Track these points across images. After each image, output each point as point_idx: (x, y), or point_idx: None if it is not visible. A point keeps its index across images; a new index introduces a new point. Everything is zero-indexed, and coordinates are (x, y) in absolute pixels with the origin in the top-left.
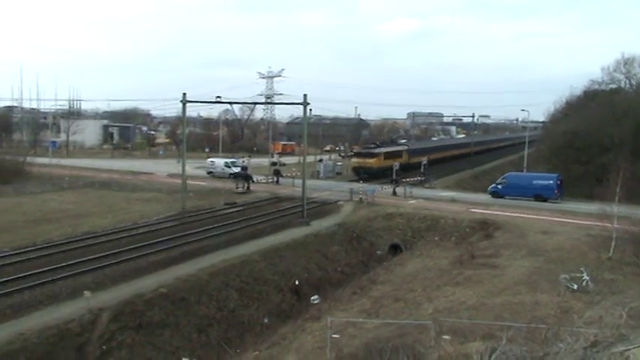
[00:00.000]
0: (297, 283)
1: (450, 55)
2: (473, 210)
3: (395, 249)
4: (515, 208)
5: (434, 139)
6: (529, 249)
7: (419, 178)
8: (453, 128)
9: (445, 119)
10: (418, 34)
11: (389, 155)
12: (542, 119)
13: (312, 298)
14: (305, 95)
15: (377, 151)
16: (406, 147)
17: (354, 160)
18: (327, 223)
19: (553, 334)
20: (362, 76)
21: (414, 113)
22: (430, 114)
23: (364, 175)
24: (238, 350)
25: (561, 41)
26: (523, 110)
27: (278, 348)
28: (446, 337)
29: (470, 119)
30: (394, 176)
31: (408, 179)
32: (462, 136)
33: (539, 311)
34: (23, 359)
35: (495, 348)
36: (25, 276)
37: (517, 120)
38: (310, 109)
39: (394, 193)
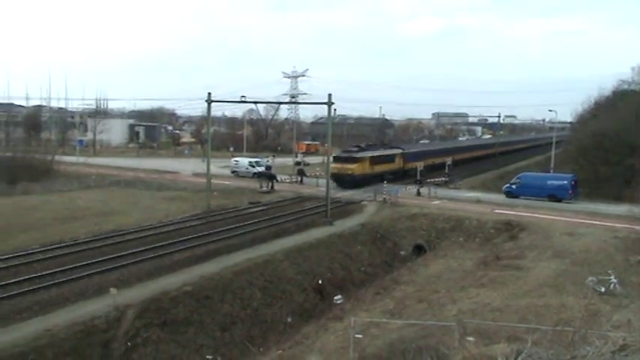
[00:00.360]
0: (320, 282)
1: (475, 54)
2: (497, 211)
3: (419, 249)
4: (539, 209)
5: (461, 138)
6: (554, 251)
7: (443, 178)
8: (479, 128)
9: (470, 119)
10: (443, 32)
11: (376, 160)
12: (569, 119)
13: (335, 297)
14: (329, 95)
15: (360, 155)
16: (400, 150)
17: (333, 165)
18: (351, 223)
19: (580, 337)
20: (387, 76)
21: (438, 113)
22: (455, 114)
23: (344, 184)
24: (262, 349)
25: (589, 40)
26: (550, 110)
27: (301, 347)
28: (470, 338)
29: (495, 119)
30: (418, 176)
31: (432, 180)
32: (489, 136)
33: (565, 314)
34: (51, 354)
35: (521, 350)
36: (53, 273)
37: (544, 120)
38: (334, 109)
39: (418, 194)
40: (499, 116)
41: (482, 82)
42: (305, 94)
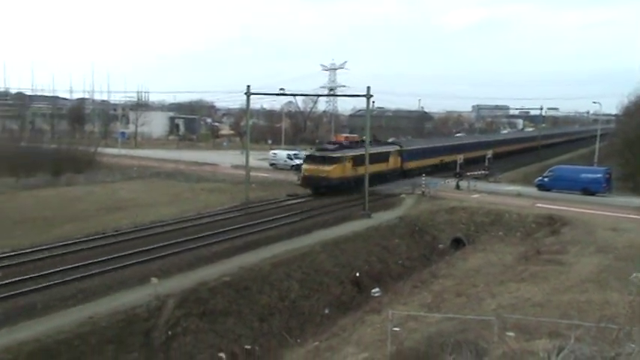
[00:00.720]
0: (357, 275)
1: (516, 45)
2: (539, 205)
3: (457, 243)
4: (582, 203)
5: (504, 131)
6: (598, 246)
7: (483, 171)
8: (520, 121)
9: (512, 112)
10: (484, 23)
11: (361, 160)
12: (615, 112)
13: (373, 290)
14: (368, 87)
15: (339, 154)
16: (397, 147)
17: (305, 167)
18: (389, 215)
19: (625, 335)
20: (426, 68)
21: (478, 106)
22: (496, 106)
23: (319, 189)
24: (299, 340)
25: (635, 30)
26: (595, 102)
27: (338, 339)
28: (510, 333)
29: (537, 112)
30: (458, 169)
31: (472, 173)
32: (531, 129)
33: (608, 310)
34: (94, 342)
35: (563, 347)
36: (96, 262)
37: (587, 112)
38: (373, 102)
39: (457, 187)
40: (541, 109)
41: (524, 74)
42: (343, 86)
